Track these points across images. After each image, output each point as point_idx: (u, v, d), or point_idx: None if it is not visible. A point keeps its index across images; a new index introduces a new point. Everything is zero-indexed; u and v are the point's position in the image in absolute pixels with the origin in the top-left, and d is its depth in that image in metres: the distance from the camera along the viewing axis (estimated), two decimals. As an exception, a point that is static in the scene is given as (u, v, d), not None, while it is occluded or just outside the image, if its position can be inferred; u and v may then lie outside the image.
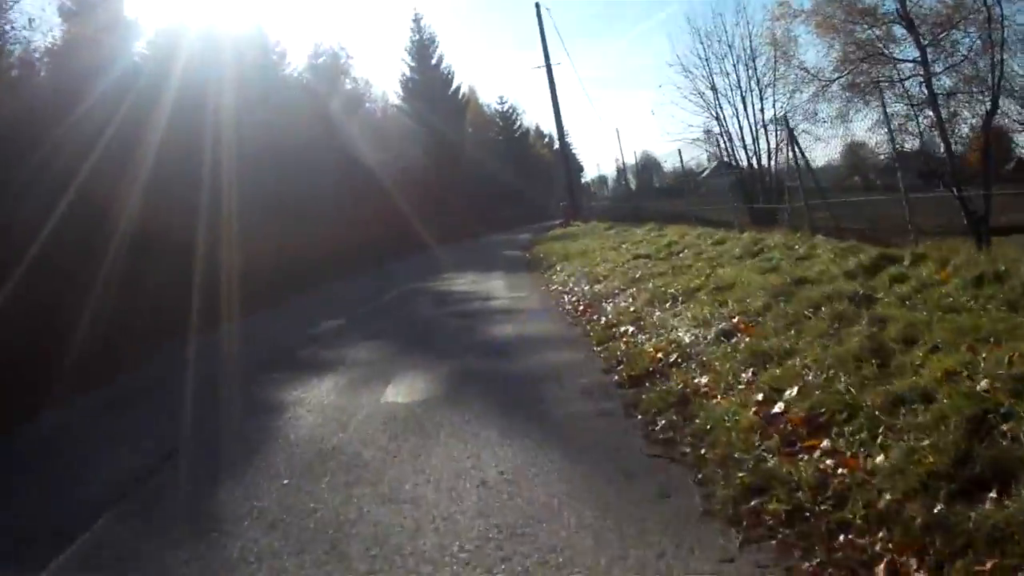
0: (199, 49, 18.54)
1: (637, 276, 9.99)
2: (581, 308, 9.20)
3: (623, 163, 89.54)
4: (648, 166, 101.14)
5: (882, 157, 20.97)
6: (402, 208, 36.34)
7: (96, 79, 13.14)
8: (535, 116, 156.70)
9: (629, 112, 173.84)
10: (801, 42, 23.70)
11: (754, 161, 24.69)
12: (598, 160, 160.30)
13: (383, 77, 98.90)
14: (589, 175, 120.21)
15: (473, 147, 53.90)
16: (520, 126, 66.30)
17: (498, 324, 9.32)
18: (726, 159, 26.00)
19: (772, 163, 23.94)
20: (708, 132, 24.99)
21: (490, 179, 51.05)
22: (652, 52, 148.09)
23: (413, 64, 46.02)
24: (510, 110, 65.25)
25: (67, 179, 11.22)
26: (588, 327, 7.87)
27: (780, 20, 22.42)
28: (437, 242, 35.35)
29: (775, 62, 23.39)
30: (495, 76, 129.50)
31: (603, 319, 7.98)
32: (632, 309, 7.83)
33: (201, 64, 18.07)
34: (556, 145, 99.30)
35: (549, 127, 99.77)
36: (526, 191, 61.37)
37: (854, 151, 22.91)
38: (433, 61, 46.39)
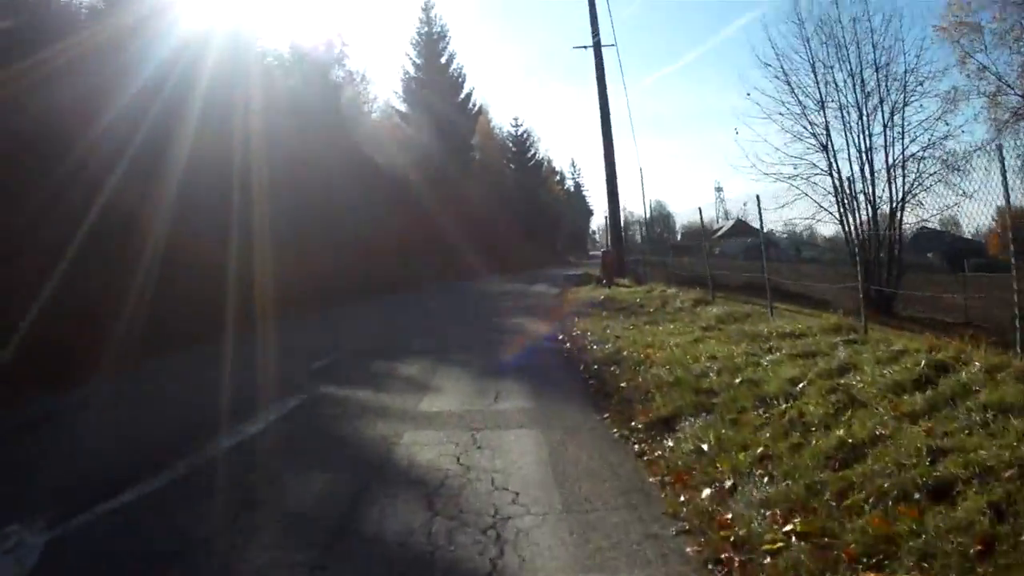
0: (225, 53, 17.38)
1: None
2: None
3: (649, 210, 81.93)
4: (659, 219, 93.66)
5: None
6: (383, 240, 28.66)
7: (126, 81, 13.17)
8: (548, 147, 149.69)
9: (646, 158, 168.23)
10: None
11: (862, 215, 16.24)
12: (604, 206, 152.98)
13: (380, 76, 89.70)
14: (596, 222, 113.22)
15: (482, 170, 46.29)
16: (535, 155, 58.88)
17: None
18: (829, 208, 17.58)
19: (897, 222, 15.54)
20: (811, 168, 16.35)
21: (498, 211, 43.34)
22: (675, 96, 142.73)
23: (418, 61, 38.55)
24: (524, 135, 57.95)
25: (98, 180, 11.82)
26: None
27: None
28: (424, 282, 27.61)
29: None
30: (507, 97, 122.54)
31: None
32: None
33: (228, 68, 17.21)
34: (572, 180, 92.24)
35: (561, 163, 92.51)
36: (537, 230, 53.65)
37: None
38: (443, 60, 38.98)
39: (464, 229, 36.41)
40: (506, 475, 4.78)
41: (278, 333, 12.80)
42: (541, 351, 10.47)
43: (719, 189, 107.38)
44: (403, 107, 38.13)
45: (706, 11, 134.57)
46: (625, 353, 8.50)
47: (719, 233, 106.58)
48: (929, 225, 16.80)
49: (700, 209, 16.03)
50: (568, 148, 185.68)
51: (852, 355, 6.19)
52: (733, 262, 24.98)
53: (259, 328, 12.78)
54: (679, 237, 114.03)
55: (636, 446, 5.31)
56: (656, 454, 4.99)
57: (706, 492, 4.13)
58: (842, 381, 5.36)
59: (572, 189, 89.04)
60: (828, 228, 17.64)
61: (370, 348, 11.43)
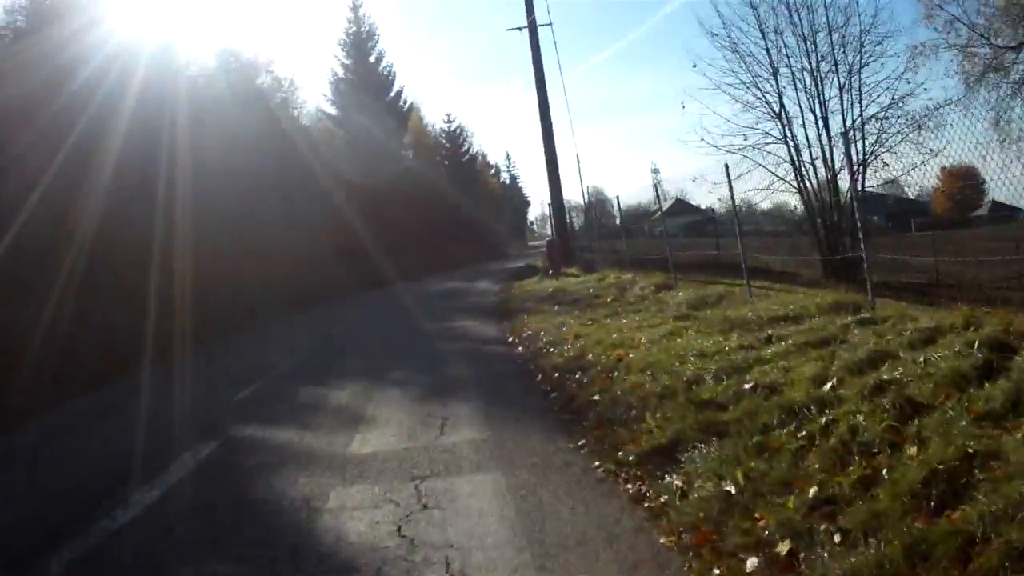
0: (149, 66, 16.69)
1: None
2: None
3: (588, 195, 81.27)
4: (596, 204, 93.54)
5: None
6: (315, 248, 26.85)
7: (46, 98, 12.69)
8: (482, 142, 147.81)
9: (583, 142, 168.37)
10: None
11: (821, 184, 15.31)
12: (541, 196, 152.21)
13: (309, 82, 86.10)
14: (533, 212, 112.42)
15: (415, 169, 44.60)
16: (468, 149, 57.34)
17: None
18: (787, 178, 16.50)
19: (859, 185, 14.63)
20: (765, 136, 15.25)
21: (434, 208, 41.72)
22: (607, 83, 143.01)
23: (347, 62, 36.62)
24: (458, 131, 56.32)
25: (11, 203, 11.31)
26: None
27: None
28: (360, 289, 25.90)
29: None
30: (439, 95, 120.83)
31: None
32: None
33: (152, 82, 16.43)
34: (508, 172, 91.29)
35: (496, 157, 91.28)
36: (475, 225, 52.14)
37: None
38: (372, 58, 37.15)
39: (400, 230, 34.94)
40: (464, 552, 3.43)
41: (202, 359, 11.36)
42: (490, 359, 9.13)
43: (655, 171, 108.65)
44: (332, 110, 36.21)
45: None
46: (591, 356, 7.22)
47: (658, 213, 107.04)
48: (869, 189, 16.18)
49: (655, 187, 14.89)
50: (502, 142, 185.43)
51: (876, 340, 5.04)
52: (675, 240, 24.20)
53: (182, 355, 11.18)
54: (618, 221, 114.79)
55: (630, 487, 4.02)
56: (661, 500, 3.70)
57: (752, 563, 2.86)
58: (883, 376, 4.18)
59: (508, 182, 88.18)
60: (774, 200, 16.71)
61: (298, 370, 9.92)
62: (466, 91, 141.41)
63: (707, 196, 14.87)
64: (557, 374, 7.07)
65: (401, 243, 35.23)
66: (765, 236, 20.19)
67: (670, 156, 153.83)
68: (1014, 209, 20.59)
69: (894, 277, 12.83)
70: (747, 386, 4.97)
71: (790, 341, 5.88)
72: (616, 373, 6.25)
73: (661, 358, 6.27)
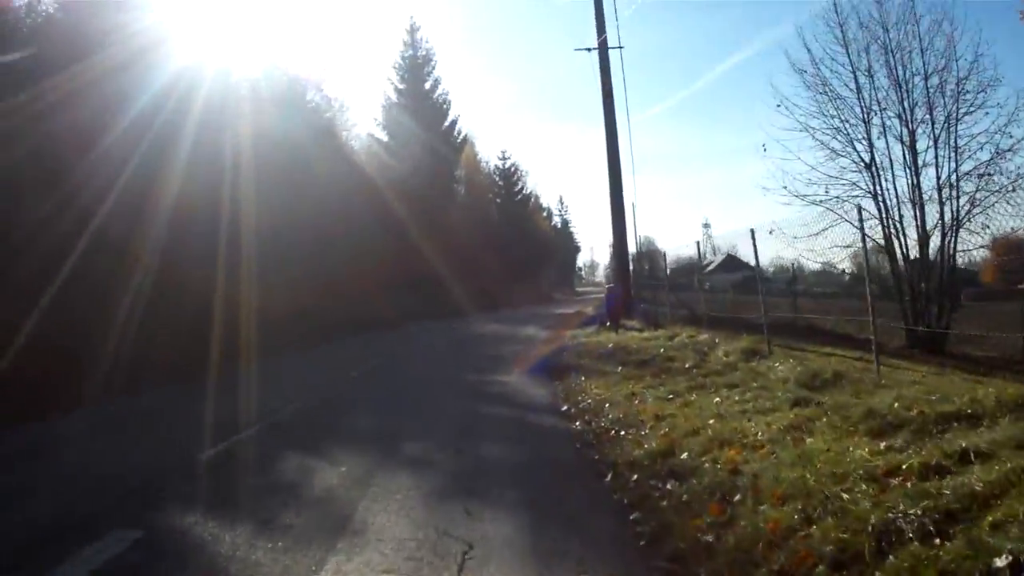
0: (212, 85, 17.27)
1: None
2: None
3: (640, 243, 78.89)
4: (645, 255, 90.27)
5: None
6: (363, 275, 25.33)
7: (118, 114, 13.02)
8: (536, 183, 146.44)
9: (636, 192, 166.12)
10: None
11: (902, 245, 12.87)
12: (591, 243, 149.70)
13: (359, 104, 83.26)
14: (582, 258, 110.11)
15: (467, 204, 43.17)
16: (522, 188, 55.81)
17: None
18: (875, 238, 14.01)
19: (947, 248, 12.21)
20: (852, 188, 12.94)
21: (483, 247, 40.04)
22: (659, 136, 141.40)
23: (401, 86, 35.47)
24: (512, 169, 54.92)
25: (88, 211, 11.77)
26: None
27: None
28: (404, 320, 24.13)
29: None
30: (493, 131, 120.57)
31: None
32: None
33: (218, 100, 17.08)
34: (559, 216, 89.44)
35: (548, 199, 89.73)
36: (524, 268, 50.28)
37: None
38: (427, 85, 35.94)
39: (448, 264, 33.33)
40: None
41: (201, 388, 10.04)
42: (539, 437, 6.96)
43: (707, 225, 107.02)
44: (383, 135, 35.00)
45: (697, 52, 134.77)
46: (686, 456, 5.03)
47: (709, 268, 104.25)
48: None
49: (699, 243, 12.73)
50: (554, 185, 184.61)
51: None
52: (724, 296, 22.33)
53: (189, 379, 10.59)
54: (667, 272, 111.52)
55: None
56: None
57: None
58: None
59: (559, 226, 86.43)
60: (827, 257, 14.66)
61: (297, 422, 7.98)
62: (521, 128, 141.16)
63: (762, 253, 12.98)
64: (636, 477, 4.89)
65: (448, 279, 33.55)
66: (817, 297, 18.34)
67: (718, 213, 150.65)
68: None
69: (982, 350, 10.88)
70: (998, 563, 2.79)
71: (1005, 464, 3.67)
72: (737, 496, 4.05)
73: (804, 477, 4.06)
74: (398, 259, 30.65)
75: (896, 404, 5.55)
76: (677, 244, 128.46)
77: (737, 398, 6.82)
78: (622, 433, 6.12)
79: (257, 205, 16.62)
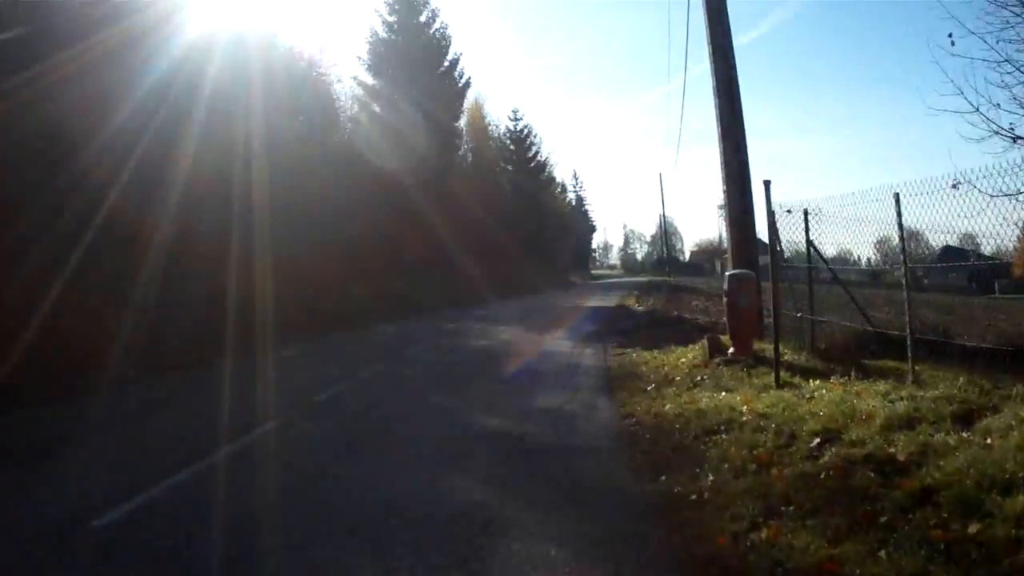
0: (226, 55, 16.00)
1: None
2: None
3: (663, 221, 72.02)
4: (663, 236, 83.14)
5: None
6: (338, 247, 18.99)
7: (127, 90, 12.55)
8: (550, 150, 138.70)
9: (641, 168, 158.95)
10: None
11: None
12: (604, 223, 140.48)
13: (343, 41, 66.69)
14: (597, 239, 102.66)
15: (472, 168, 36.59)
16: (536, 154, 48.96)
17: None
18: None
19: None
20: None
21: (491, 221, 33.49)
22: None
23: (391, 19, 28.59)
24: (524, 131, 48.06)
25: (100, 191, 11.37)
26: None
27: None
28: (392, 312, 17.68)
29: None
30: (503, 94, 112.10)
31: None
32: None
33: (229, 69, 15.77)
34: (574, 193, 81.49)
35: (561, 173, 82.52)
36: (538, 247, 43.68)
37: None
38: (422, 17, 29.07)
39: (451, 242, 26.95)
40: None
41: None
42: None
43: (723, 207, 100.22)
44: (369, 78, 28.28)
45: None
46: None
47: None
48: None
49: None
50: (567, 159, 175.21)
51: None
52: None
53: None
54: (687, 257, 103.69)
55: None
56: None
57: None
58: None
59: (573, 203, 79.55)
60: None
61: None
62: (531, 94, 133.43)
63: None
64: None
65: (450, 259, 27.13)
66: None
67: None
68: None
69: None
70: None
71: None
72: None
73: None
74: (391, 234, 24.16)
75: None
76: (694, 228, 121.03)
77: None
78: None
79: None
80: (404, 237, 25.20)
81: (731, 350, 8.58)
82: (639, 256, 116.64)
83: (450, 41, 30.03)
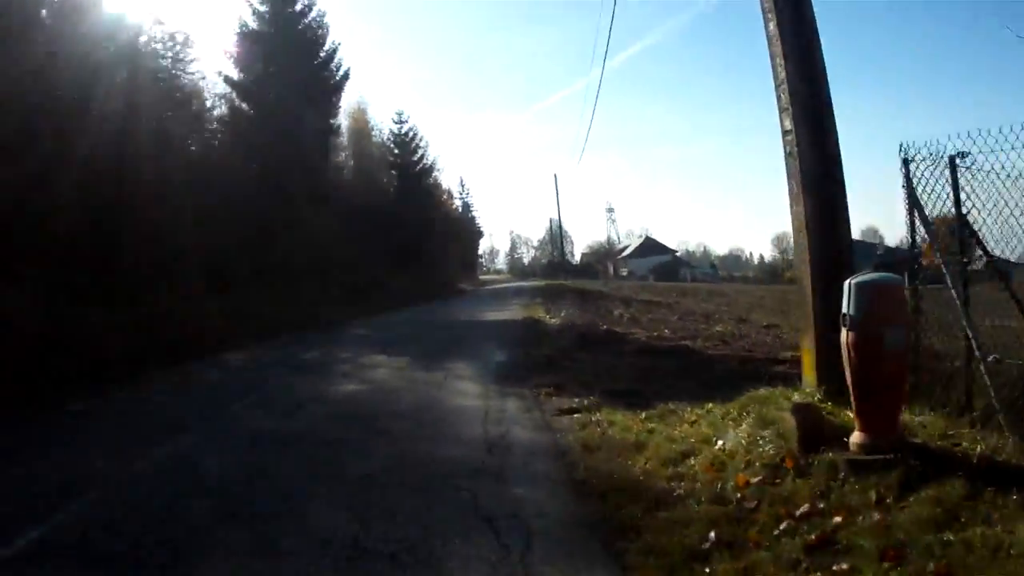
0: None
1: None
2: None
3: (556, 224, 71.85)
4: (555, 239, 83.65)
5: None
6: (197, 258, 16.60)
7: None
8: (437, 154, 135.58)
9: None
10: None
11: None
12: (490, 230, 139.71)
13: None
14: (483, 245, 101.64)
15: (351, 171, 34.48)
16: (422, 158, 47.07)
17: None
18: None
19: None
20: None
21: (373, 226, 31.39)
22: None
23: (263, 8, 26.05)
24: (410, 134, 46.04)
25: None
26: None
27: None
28: (238, 337, 15.12)
29: None
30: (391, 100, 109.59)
31: None
32: None
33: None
34: (460, 199, 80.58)
35: (449, 180, 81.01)
36: (423, 254, 41.77)
37: None
38: (297, 6, 26.73)
39: (328, 249, 24.86)
40: None
41: None
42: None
43: (610, 209, 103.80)
44: (235, 73, 25.61)
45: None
46: None
47: (624, 253, 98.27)
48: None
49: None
50: (452, 168, 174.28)
51: None
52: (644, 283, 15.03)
53: None
54: (578, 259, 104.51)
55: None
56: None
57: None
58: None
59: (460, 209, 78.15)
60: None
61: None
62: (417, 104, 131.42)
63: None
64: None
65: (329, 268, 24.91)
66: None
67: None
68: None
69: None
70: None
71: None
72: None
73: None
74: (254, 244, 21.61)
75: None
76: (581, 229, 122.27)
77: None
78: None
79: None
80: (275, 246, 22.76)
81: (857, 434, 4.24)
82: (526, 260, 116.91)
83: (328, 30, 27.75)
